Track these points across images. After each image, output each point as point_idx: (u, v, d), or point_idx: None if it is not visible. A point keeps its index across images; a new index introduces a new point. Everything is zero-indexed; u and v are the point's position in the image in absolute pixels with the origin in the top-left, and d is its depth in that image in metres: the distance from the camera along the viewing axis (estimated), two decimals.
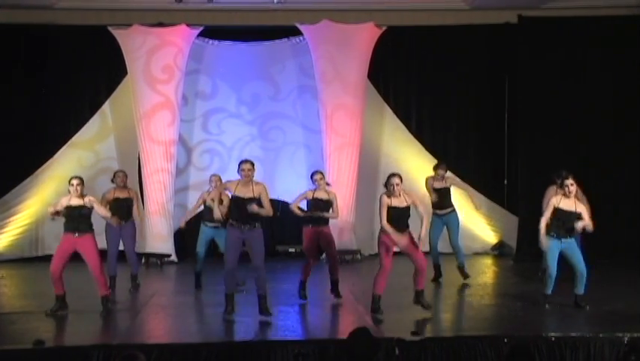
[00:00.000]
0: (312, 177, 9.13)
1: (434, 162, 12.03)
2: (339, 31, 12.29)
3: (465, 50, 13.02)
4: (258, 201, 7.84)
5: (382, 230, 7.94)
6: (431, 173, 10.44)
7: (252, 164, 7.92)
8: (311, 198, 8.99)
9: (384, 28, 12.40)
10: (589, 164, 11.91)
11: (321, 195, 8.93)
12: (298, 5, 12.56)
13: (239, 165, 7.94)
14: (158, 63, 12.23)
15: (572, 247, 8.27)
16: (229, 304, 7.94)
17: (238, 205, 7.84)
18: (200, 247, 9.89)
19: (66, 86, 12.67)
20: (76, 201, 8.09)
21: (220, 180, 9.78)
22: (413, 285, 8.16)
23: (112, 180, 9.83)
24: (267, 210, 7.86)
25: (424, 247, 8.43)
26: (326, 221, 8.96)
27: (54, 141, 12.63)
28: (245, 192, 7.83)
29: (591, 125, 12.29)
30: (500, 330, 7.44)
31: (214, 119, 13.09)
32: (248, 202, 7.76)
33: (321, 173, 9.22)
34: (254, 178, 7.92)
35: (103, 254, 9.70)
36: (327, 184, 9.21)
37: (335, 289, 8.96)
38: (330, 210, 8.96)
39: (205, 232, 9.91)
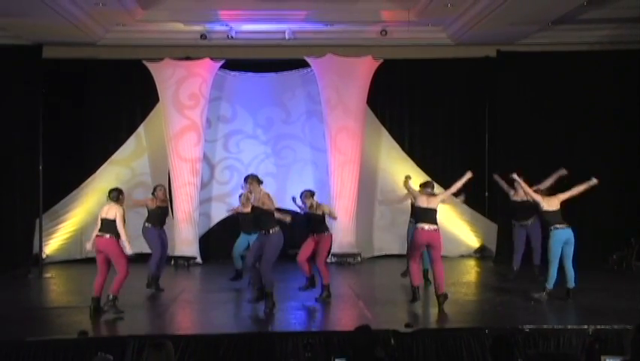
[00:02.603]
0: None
1: (425, 176, 12.04)
2: (341, 63, 12.34)
3: (450, 80, 13.04)
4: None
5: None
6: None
7: (245, 180, 8.06)
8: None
9: (380, 61, 12.45)
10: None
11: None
12: (306, 41, 12.64)
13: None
14: (186, 91, 12.29)
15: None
16: (269, 300, 7.91)
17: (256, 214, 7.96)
18: (236, 251, 9.96)
19: (106, 111, 12.74)
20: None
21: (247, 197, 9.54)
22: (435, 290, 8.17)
23: (152, 194, 9.67)
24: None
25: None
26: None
27: (96, 159, 12.68)
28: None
29: (562, 146, 12.28)
30: (482, 323, 7.46)
31: (233, 139, 13.12)
32: (259, 210, 7.85)
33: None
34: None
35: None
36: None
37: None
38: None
39: (242, 238, 9.98)
